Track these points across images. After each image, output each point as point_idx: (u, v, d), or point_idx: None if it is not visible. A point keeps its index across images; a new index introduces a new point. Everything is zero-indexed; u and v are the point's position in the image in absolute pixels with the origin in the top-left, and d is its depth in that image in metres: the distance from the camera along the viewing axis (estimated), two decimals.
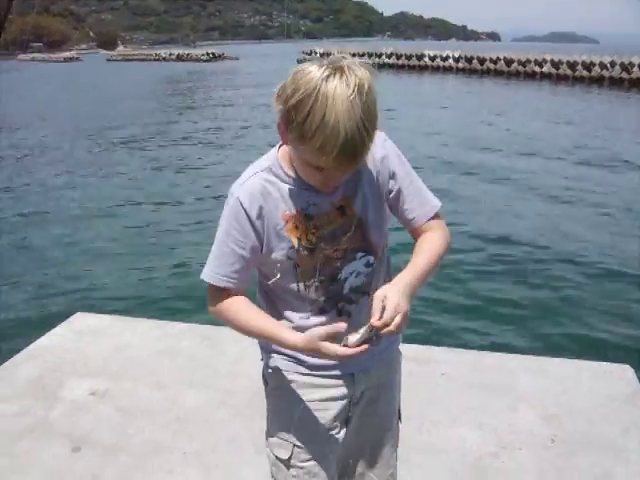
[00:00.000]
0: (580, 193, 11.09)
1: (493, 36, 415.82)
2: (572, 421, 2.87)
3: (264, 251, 1.45)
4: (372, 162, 1.47)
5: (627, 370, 3.28)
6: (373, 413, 1.65)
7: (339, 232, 1.46)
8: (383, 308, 1.28)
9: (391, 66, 53.27)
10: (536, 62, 44.27)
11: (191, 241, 8.45)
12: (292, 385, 1.55)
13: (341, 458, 1.64)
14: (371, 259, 1.51)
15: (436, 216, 1.52)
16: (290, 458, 1.55)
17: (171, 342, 3.70)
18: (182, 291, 6.72)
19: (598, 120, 22.20)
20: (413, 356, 3.24)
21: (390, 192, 1.50)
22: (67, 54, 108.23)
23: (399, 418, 1.74)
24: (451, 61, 50.88)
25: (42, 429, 2.85)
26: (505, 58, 46.52)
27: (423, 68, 52.04)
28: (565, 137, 17.93)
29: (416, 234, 1.53)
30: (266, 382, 1.64)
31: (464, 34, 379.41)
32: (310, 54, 57.84)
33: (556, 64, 42.77)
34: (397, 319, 1.28)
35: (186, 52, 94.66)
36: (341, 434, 1.59)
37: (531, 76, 43.22)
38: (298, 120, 1.23)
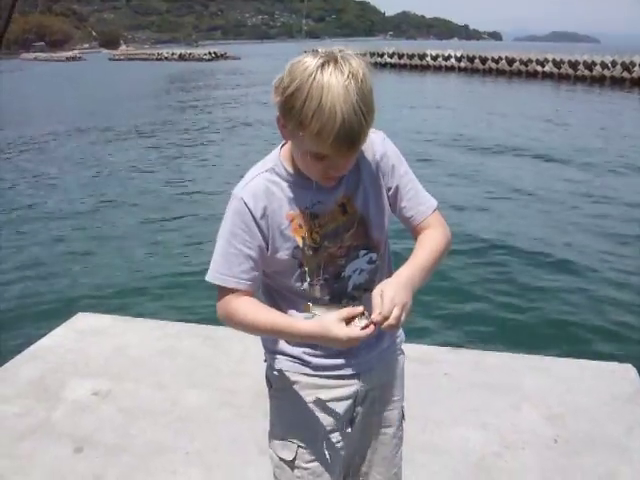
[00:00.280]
0: (581, 194, 11.04)
1: (495, 36, 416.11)
2: (575, 420, 2.86)
3: (269, 251, 1.45)
4: (372, 160, 1.48)
5: (630, 370, 3.27)
6: (377, 413, 1.64)
7: (342, 229, 1.47)
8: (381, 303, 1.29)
9: (393, 66, 53.28)
10: (538, 62, 44.20)
11: (194, 240, 8.45)
12: (297, 386, 1.54)
13: (346, 458, 1.63)
14: (374, 256, 1.52)
15: (435, 214, 1.53)
16: (294, 459, 1.54)
17: (172, 342, 3.69)
18: (183, 290, 6.72)
19: (599, 120, 22.15)
20: (416, 356, 3.23)
21: (389, 189, 1.51)
22: (69, 53, 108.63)
23: (403, 417, 1.74)
24: (453, 60, 50.78)
25: (44, 430, 2.84)
26: (507, 57, 46.45)
27: (425, 68, 51.93)
28: (565, 137, 17.89)
29: (416, 232, 1.53)
30: (269, 383, 1.63)
31: (466, 34, 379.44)
32: None
33: (558, 63, 42.70)
34: (395, 312, 1.28)
35: (188, 51, 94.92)
36: (346, 434, 1.58)
37: (533, 75, 43.15)
38: (295, 108, 1.24)
